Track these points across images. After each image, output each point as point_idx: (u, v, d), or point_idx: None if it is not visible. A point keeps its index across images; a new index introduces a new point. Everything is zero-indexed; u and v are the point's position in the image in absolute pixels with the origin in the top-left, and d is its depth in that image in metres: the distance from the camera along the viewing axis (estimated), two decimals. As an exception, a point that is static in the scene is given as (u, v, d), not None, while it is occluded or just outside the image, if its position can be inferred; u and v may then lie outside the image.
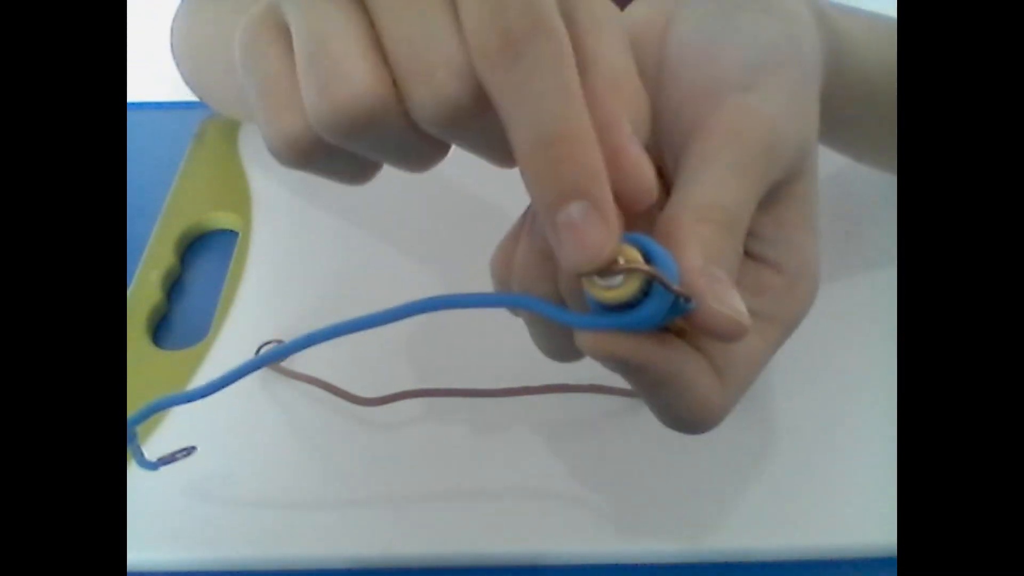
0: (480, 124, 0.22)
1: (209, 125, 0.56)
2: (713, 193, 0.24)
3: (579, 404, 0.39)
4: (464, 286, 0.45)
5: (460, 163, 0.53)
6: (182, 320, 0.45)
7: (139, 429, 0.38)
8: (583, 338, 0.23)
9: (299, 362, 0.41)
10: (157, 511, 0.36)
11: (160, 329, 0.44)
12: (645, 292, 0.21)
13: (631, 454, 0.37)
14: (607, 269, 0.21)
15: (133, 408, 0.39)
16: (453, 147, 0.25)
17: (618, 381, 0.39)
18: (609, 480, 0.36)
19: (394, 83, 0.21)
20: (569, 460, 0.37)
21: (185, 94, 0.55)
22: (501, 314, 0.43)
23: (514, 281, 0.27)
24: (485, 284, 0.45)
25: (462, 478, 0.37)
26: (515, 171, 0.22)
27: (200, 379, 0.40)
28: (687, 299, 0.21)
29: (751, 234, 0.26)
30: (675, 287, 0.21)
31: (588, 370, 0.41)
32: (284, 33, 0.23)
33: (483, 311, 0.43)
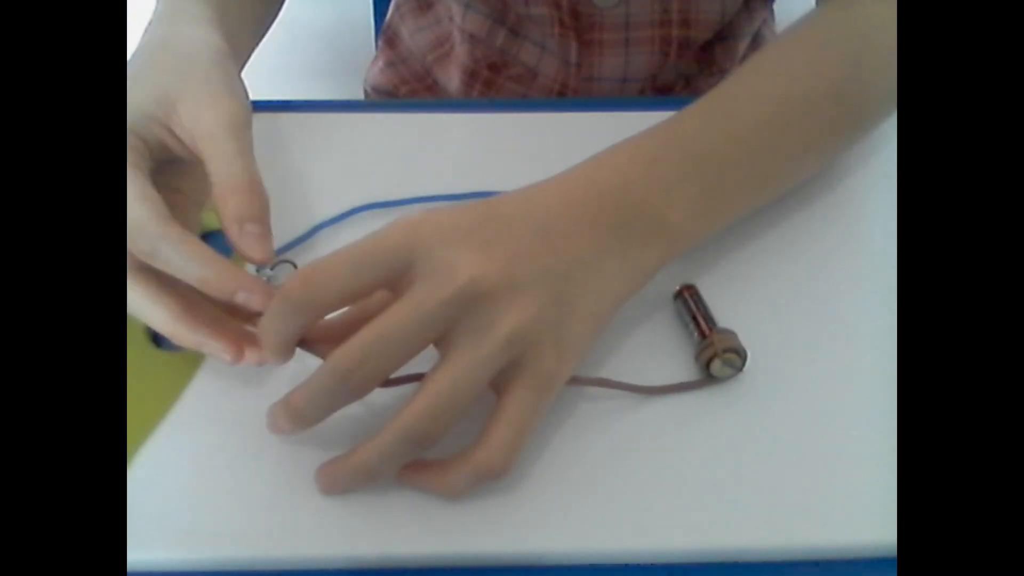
0: None
1: (209, 125, 0.55)
2: None
3: (579, 403, 0.39)
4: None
5: (458, 176, 0.53)
6: (182, 320, 0.45)
7: (135, 432, 0.38)
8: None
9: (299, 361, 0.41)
10: (157, 511, 0.36)
11: (160, 329, 0.44)
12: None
13: (631, 454, 0.37)
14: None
15: (133, 408, 0.39)
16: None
17: (623, 376, 0.39)
18: (609, 480, 0.36)
19: None
20: (569, 460, 0.37)
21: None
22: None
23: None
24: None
25: (462, 478, 0.37)
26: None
27: (200, 379, 0.40)
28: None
29: None
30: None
31: (590, 369, 0.41)
32: None
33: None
